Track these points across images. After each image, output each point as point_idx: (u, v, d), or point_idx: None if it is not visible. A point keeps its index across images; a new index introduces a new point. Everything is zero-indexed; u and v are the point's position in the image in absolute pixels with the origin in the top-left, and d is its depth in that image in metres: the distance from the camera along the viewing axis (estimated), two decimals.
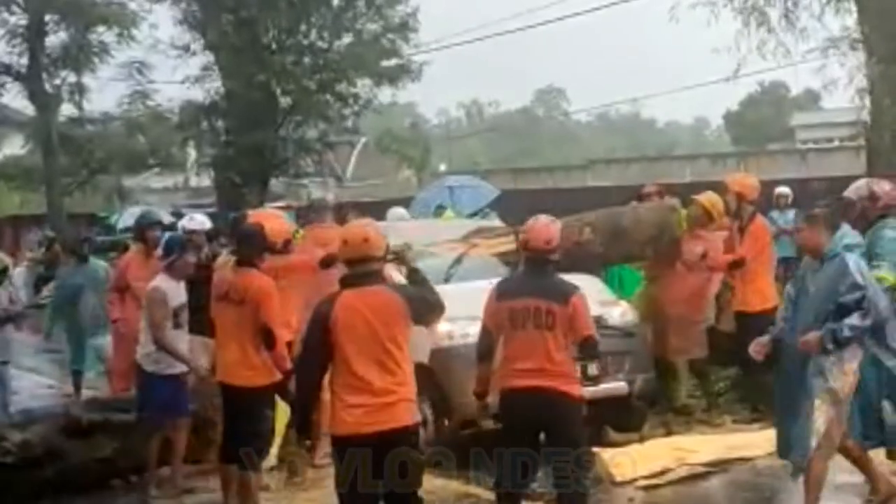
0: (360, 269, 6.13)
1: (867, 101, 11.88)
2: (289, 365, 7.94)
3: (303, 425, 6.68)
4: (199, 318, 9.77)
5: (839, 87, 12.28)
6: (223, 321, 7.97)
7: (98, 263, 12.67)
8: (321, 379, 6.13)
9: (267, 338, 7.73)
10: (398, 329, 6.06)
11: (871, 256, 8.85)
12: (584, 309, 6.87)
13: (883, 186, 9.12)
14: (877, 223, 8.66)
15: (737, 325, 10.38)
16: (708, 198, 10.81)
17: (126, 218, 18.83)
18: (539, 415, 6.78)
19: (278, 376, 7.86)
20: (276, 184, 27.79)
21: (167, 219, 14.95)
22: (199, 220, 12.76)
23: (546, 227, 7.08)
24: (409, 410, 6.08)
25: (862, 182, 10.22)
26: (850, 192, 9.62)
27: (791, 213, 14.81)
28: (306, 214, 9.87)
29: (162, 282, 8.81)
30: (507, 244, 10.77)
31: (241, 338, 7.79)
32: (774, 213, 15.37)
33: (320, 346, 6.01)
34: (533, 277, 7.01)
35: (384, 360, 5.99)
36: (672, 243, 10.46)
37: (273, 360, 7.80)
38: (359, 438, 5.92)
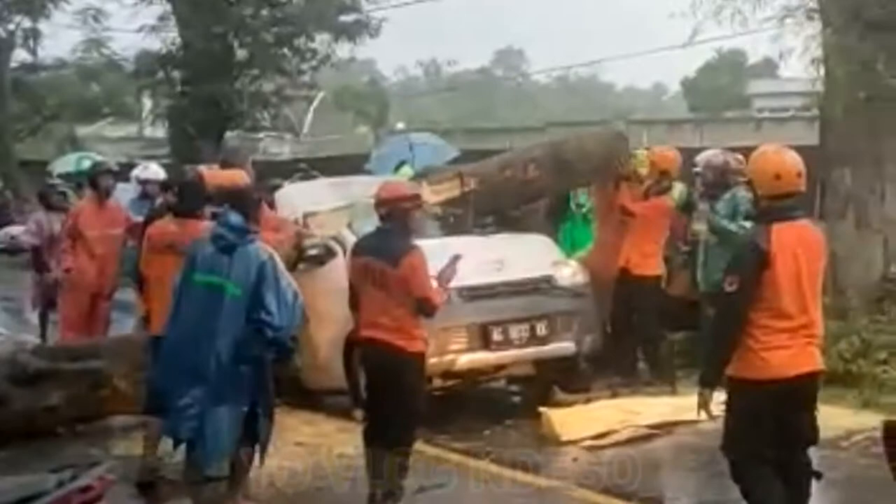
0: (789, 201, 5.82)
1: (821, 72, 11.90)
2: None
3: (719, 369, 5.88)
4: None
5: (794, 56, 12.26)
6: (162, 273, 7.50)
7: None
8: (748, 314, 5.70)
9: None
10: (821, 268, 5.92)
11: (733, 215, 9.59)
12: (418, 270, 6.90)
13: (737, 157, 9.89)
14: (733, 188, 9.69)
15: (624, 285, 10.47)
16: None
17: (60, 165, 18.26)
18: (378, 364, 7.07)
19: None
20: (231, 137, 27.58)
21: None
22: (153, 170, 12.70)
23: (393, 184, 7.64)
24: (819, 354, 5.89)
25: (718, 151, 10.71)
26: (706, 158, 10.30)
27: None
28: (222, 163, 9.72)
29: None
30: (451, 190, 10.43)
31: None
32: None
33: (754, 281, 5.65)
34: (378, 236, 7.19)
35: (810, 298, 5.77)
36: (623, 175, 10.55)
37: None
38: (780, 382, 5.67)
